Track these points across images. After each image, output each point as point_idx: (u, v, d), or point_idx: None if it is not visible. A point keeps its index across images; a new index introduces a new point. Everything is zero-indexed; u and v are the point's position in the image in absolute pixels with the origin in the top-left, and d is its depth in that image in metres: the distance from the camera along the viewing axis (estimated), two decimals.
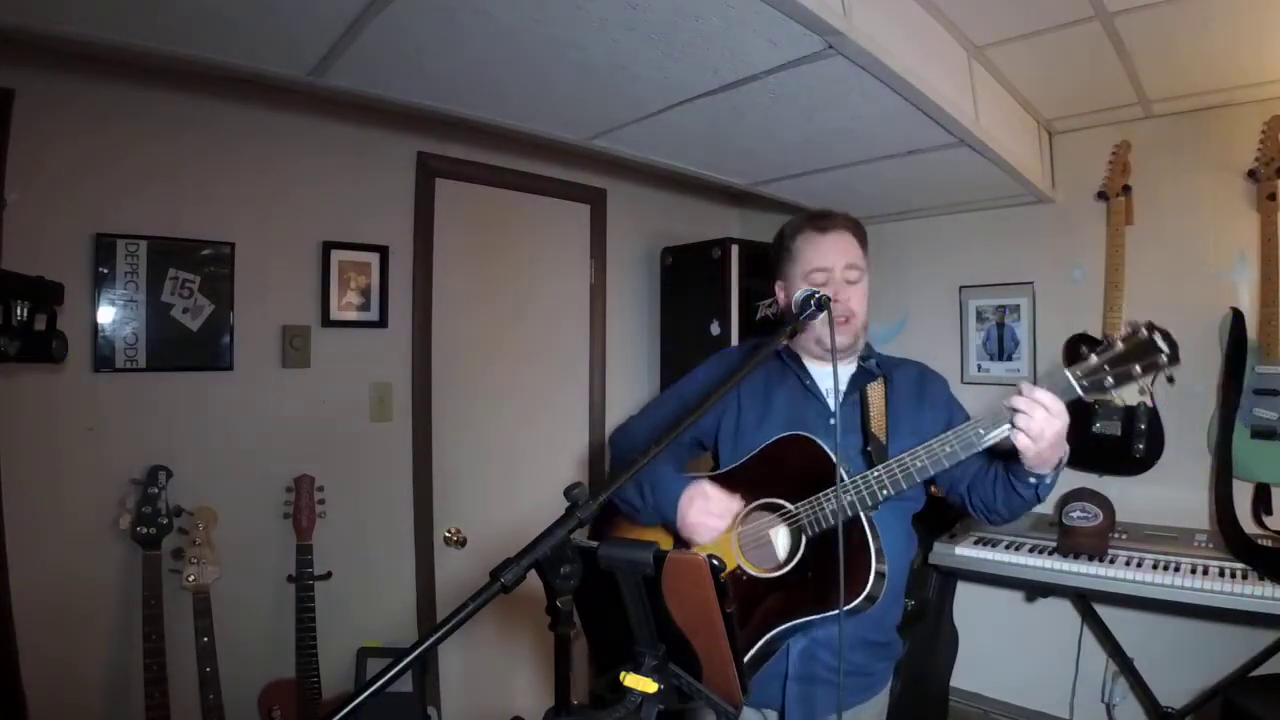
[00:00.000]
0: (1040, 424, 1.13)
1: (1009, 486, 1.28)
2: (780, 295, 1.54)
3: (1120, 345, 1.13)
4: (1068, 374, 1.15)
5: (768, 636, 1.28)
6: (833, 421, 1.38)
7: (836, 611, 1.20)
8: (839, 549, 1.15)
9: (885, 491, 1.24)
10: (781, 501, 1.32)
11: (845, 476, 1.25)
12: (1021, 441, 1.15)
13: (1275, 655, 2.20)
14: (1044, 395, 1.14)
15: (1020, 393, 1.15)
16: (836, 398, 1.36)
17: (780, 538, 1.34)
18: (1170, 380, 1.16)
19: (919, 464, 1.22)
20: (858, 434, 1.40)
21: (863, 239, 1.49)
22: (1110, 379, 1.13)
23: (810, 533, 1.28)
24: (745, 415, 1.49)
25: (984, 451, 1.24)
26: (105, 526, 1.94)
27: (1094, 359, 1.14)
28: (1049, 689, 2.69)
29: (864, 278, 1.45)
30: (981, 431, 1.18)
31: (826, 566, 1.25)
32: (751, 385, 1.50)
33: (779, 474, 1.34)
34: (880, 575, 1.24)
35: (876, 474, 1.24)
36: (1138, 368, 1.11)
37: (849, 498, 1.24)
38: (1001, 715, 2.81)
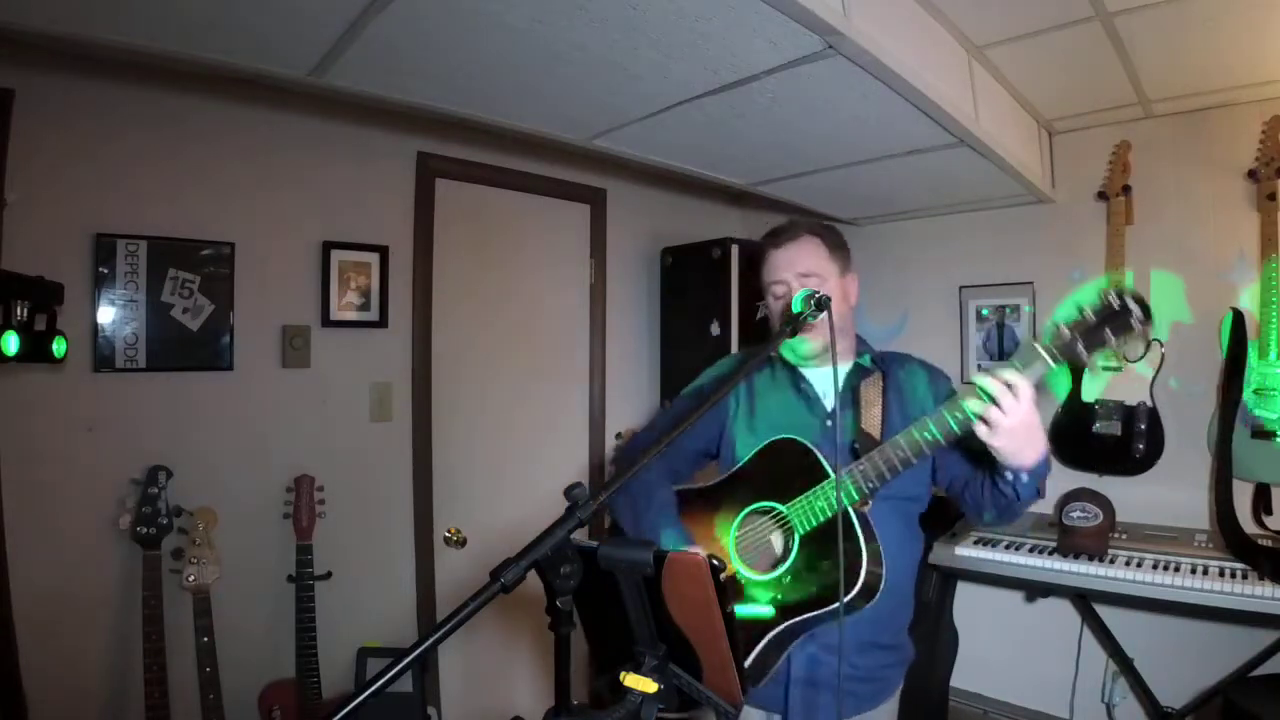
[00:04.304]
0: (1006, 408, 1.12)
1: (992, 485, 1.29)
2: (765, 309, 1.54)
3: (1091, 316, 1.13)
4: (1037, 347, 1.14)
5: (766, 639, 1.28)
6: (830, 424, 1.38)
7: (831, 608, 1.21)
8: (839, 546, 1.15)
9: (870, 484, 1.23)
10: (774, 504, 1.33)
11: (831, 473, 1.26)
12: (982, 430, 1.14)
13: (1275, 655, 2.20)
14: (1011, 374, 1.12)
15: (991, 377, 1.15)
16: (836, 399, 1.36)
17: (777, 540, 1.35)
18: (1147, 347, 1.14)
19: (900, 454, 1.22)
20: (848, 431, 1.38)
21: (826, 243, 1.45)
22: (1082, 346, 1.12)
23: (800, 532, 1.28)
24: (739, 423, 1.50)
25: (977, 453, 1.24)
26: (105, 526, 1.94)
27: (1065, 332, 1.14)
28: (1049, 689, 2.69)
29: (827, 282, 1.41)
30: (960, 414, 1.17)
31: (815, 565, 1.26)
32: (749, 392, 1.51)
33: (771, 478, 1.35)
34: (873, 572, 1.23)
35: (861, 466, 1.24)
36: (1108, 331, 1.11)
37: (833, 493, 1.24)
38: (1001, 715, 2.81)
